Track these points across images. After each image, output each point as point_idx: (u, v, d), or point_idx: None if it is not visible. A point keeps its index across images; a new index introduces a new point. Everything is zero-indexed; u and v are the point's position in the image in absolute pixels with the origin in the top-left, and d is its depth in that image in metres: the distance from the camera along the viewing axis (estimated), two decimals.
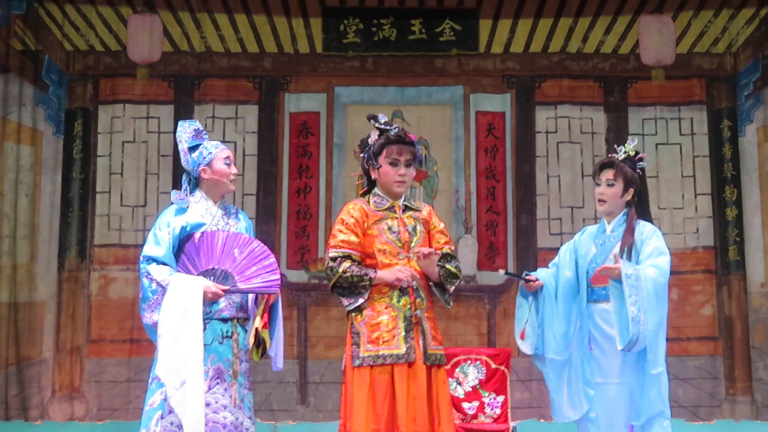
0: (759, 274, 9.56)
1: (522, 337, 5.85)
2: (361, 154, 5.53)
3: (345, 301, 5.33)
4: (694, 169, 9.80)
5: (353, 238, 5.38)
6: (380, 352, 5.23)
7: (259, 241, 5.46)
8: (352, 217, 5.41)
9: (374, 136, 5.50)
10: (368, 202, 5.50)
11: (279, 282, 5.38)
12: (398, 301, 5.33)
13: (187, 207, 5.47)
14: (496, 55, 9.94)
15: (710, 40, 9.88)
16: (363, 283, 5.29)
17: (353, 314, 5.33)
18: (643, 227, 5.60)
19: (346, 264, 5.30)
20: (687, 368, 9.37)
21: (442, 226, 5.65)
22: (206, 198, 5.56)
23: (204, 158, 5.59)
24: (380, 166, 5.45)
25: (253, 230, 5.75)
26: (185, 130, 5.62)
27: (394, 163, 5.45)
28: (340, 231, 5.39)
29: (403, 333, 5.26)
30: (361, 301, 5.30)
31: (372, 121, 5.51)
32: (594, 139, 9.81)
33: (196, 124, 5.66)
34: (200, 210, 5.50)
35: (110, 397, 9.34)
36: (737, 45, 9.82)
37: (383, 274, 5.28)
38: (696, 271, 9.62)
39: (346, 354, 5.31)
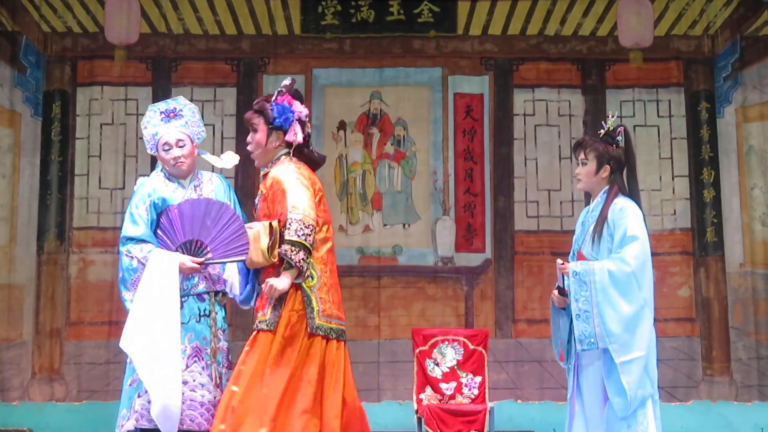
0: (737, 255, 9.60)
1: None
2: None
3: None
4: (671, 151, 9.82)
5: None
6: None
7: (227, 205, 5.38)
8: None
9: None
10: None
11: (248, 244, 5.19)
12: None
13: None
14: (474, 37, 9.94)
15: (688, 23, 9.89)
16: None
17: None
18: (615, 205, 5.33)
19: None
20: (664, 349, 9.35)
21: (282, 185, 5.14)
22: (172, 179, 5.55)
23: (151, 146, 5.60)
24: None
25: (232, 186, 5.74)
26: (153, 114, 5.61)
27: None
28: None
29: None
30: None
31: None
32: (572, 122, 9.82)
33: (162, 106, 5.62)
34: (170, 189, 5.49)
35: (90, 378, 9.34)
36: (715, 27, 9.84)
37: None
38: (673, 253, 9.63)
39: None
